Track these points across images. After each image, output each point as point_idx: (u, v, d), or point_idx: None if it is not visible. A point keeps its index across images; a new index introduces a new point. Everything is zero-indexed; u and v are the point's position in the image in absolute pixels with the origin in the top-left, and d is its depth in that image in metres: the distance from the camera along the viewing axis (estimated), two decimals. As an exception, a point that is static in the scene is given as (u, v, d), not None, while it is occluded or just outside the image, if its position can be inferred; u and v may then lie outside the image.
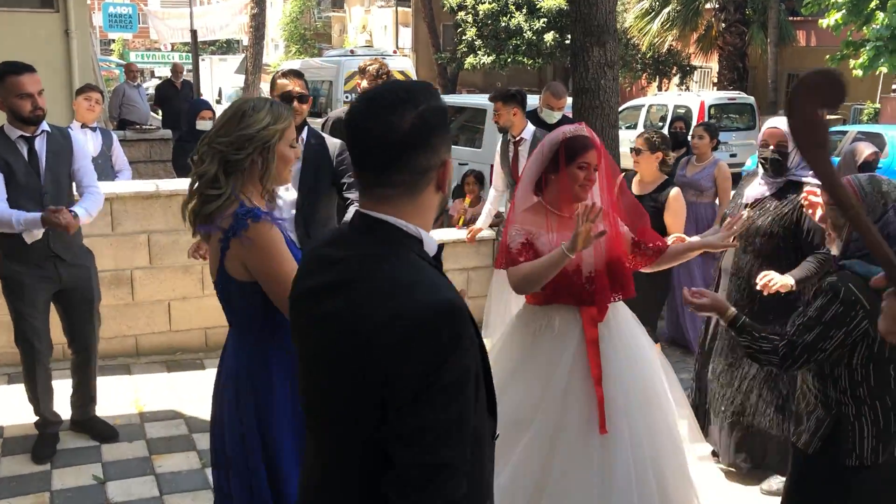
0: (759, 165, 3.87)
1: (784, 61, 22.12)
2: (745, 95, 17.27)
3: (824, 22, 16.05)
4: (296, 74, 3.84)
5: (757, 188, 3.84)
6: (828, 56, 16.82)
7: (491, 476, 1.59)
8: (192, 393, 4.88)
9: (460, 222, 6.61)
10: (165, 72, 25.47)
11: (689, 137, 6.82)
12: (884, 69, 14.93)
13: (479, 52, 26.52)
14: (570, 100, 6.41)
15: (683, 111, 15.50)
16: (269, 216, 2.20)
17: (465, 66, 27.27)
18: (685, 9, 22.48)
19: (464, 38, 27.02)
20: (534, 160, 3.17)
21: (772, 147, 3.74)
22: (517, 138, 5.30)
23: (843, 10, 15.50)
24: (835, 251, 2.45)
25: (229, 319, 2.40)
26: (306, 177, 3.60)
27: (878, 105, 18.59)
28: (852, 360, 2.34)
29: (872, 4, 15.09)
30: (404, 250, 1.46)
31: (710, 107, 16.06)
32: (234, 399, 2.30)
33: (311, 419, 1.58)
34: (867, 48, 14.84)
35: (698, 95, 17.09)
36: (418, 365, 1.34)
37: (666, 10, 22.70)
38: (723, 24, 22.17)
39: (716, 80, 23.54)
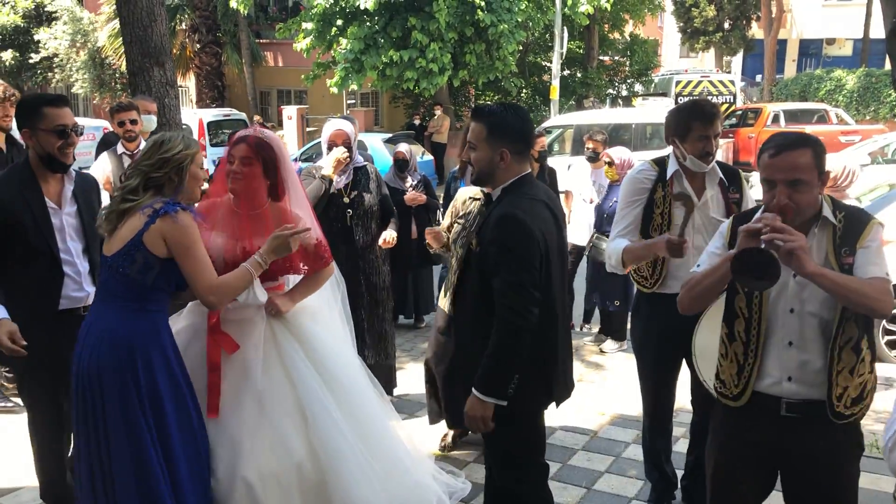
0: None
1: (258, 79, 24.12)
2: (237, 112, 18.60)
3: (298, 46, 18.21)
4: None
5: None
6: (303, 76, 19.11)
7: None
8: None
9: None
10: None
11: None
12: (354, 86, 17.66)
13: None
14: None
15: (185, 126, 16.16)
16: (194, 213, 2.84)
17: None
18: (161, 29, 22.88)
19: None
20: None
21: (338, 145, 4.54)
22: None
23: (312, 36, 17.83)
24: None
25: (111, 291, 2.79)
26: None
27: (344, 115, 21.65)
28: None
29: (333, 31, 17.69)
30: None
31: (208, 123, 17.00)
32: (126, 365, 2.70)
33: None
34: (338, 69, 17.38)
35: (195, 113, 17.83)
36: None
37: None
38: (197, 45, 23.17)
39: (195, 98, 24.47)
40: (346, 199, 4.57)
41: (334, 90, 17.75)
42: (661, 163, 3.53)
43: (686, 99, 20.90)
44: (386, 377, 4.82)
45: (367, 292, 4.68)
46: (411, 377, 5.57)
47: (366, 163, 4.81)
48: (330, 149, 4.58)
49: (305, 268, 3.29)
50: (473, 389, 2.70)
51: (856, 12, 29.08)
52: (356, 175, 4.65)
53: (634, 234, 3.51)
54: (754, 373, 2.49)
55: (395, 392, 5.11)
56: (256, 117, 19.93)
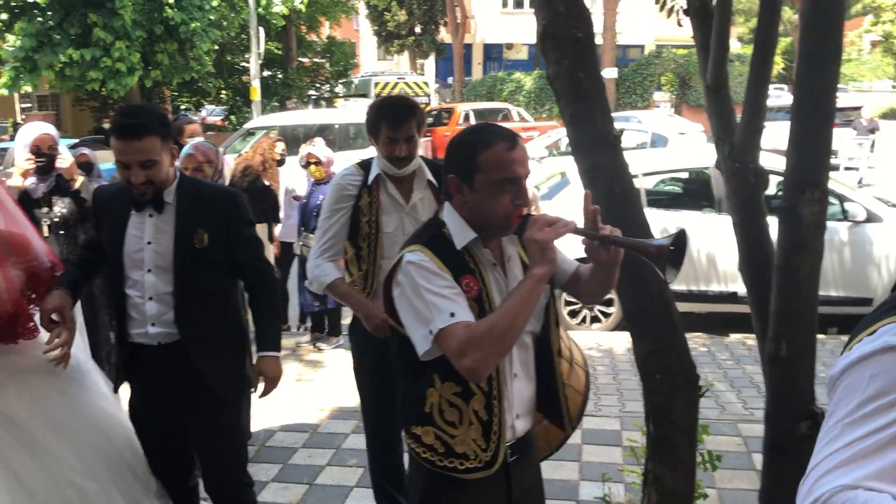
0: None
1: None
2: None
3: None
4: None
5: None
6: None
7: None
8: None
9: None
10: None
11: None
12: (28, 87, 15.92)
13: None
14: None
15: None
16: None
17: None
18: None
19: None
20: None
21: (44, 150, 4.16)
22: None
23: (-29, 31, 15.79)
24: None
25: None
26: None
27: (21, 121, 19.47)
28: None
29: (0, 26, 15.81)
30: None
31: None
32: None
33: None
34: (7, 68, 15.56)
35: None
36: None
37: None
38: None
39: None
40: (45, 209, 4.27)
41: (4, 92, 15.89)
42: (366, 166, 3.18)
43: (385, 99, 21.71)
44: None
45: (90, 310, 4.29)
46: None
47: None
48: (37, 154, 4.14)
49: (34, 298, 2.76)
50: (272, 353, 2.84)
51: (530, 20, 31.90)
52: (59, 182, 4.29)
53: (340, 245, 3.18)
54: (504, 427, 1.99)
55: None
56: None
